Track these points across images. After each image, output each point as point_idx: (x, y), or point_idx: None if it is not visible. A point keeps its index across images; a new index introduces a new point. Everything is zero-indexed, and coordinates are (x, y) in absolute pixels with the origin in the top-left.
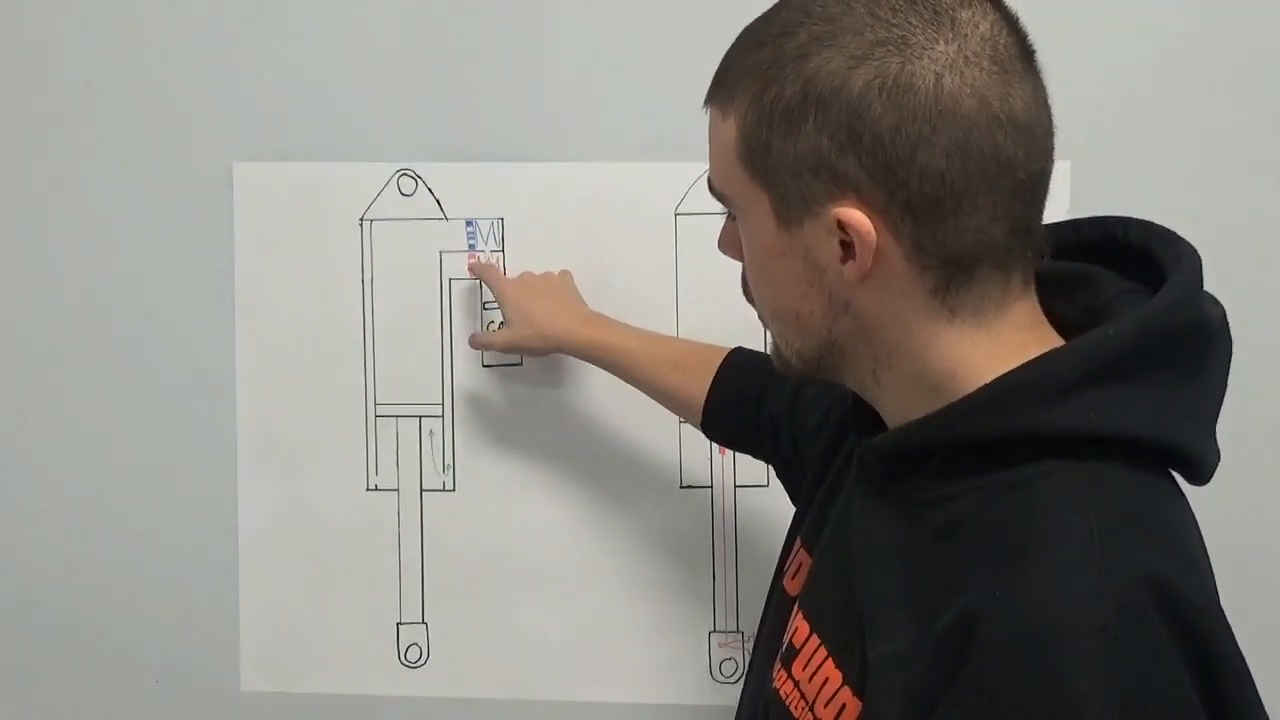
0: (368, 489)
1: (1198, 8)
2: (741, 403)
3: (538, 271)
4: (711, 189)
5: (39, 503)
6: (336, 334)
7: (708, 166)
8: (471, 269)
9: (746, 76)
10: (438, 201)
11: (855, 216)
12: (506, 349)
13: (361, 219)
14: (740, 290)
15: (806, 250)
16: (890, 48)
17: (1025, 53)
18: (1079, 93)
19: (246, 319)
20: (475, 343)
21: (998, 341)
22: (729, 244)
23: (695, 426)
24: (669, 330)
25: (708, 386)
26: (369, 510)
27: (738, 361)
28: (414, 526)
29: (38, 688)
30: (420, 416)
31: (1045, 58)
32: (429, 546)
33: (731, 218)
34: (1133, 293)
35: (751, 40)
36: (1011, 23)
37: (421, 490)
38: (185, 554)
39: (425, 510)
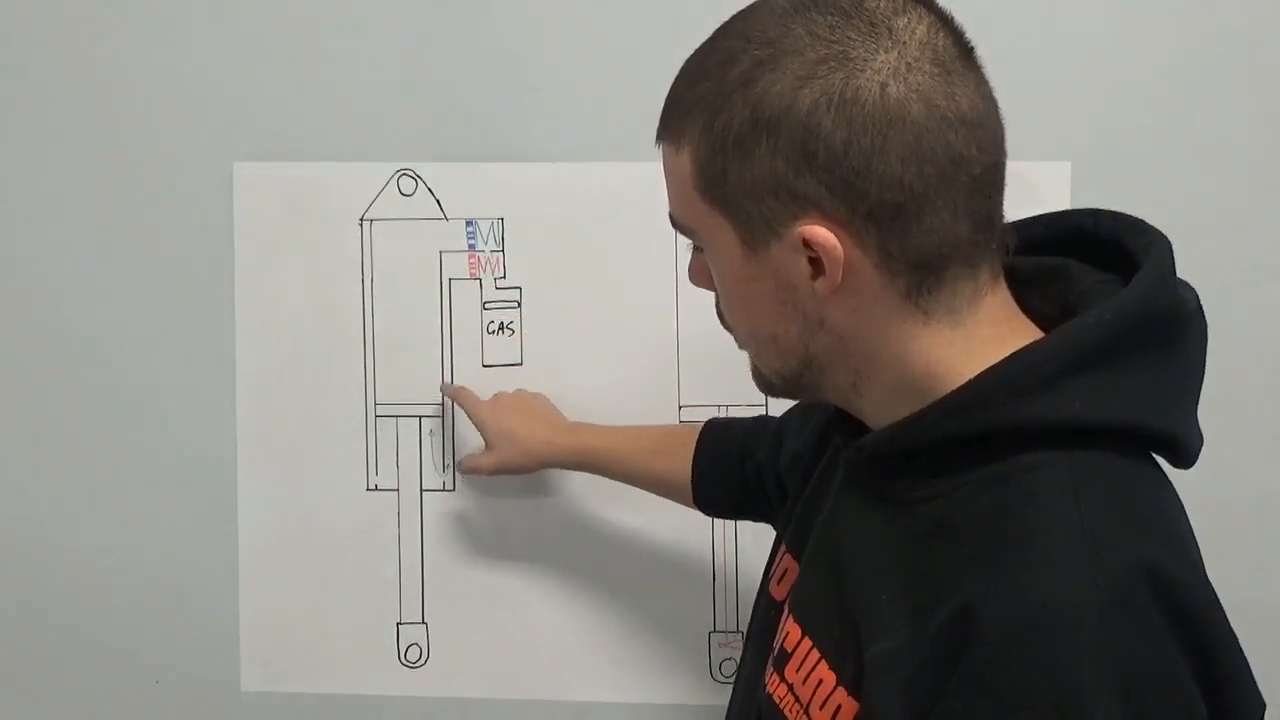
0: (368, 489)
1: (1198, 7)
2: (725, 466)
3: (510, 390)
4: (674, 223)
5: (39, 503)
6: (336, 334)
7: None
8: (444, 390)
9: (695, 108)
10: (438, 201)
11: (820, 233)
12: (494, 472)
13: (361, 219)
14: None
15: (775, 272)
16: (833, 64)
17: (964, 50)
18: (1079, 93)
19: (246, 319)
20: (464, 469)
21: (974, 338)
22: (698, 275)
23: (689, 506)
24: (670, 331)
25: (690, 463)
26: (369, 510)
27: (714, 430)
28: (414, 526)
29: (38, 688)
30: (420, 416)
31: (1045, 59)
32: (429, 546)
33: (698, 249)
34: (1106, 283)
35: (694, 73)
36: (947, 22)
37: (421, 490)
38: (185, 554)
39: (425, 510)
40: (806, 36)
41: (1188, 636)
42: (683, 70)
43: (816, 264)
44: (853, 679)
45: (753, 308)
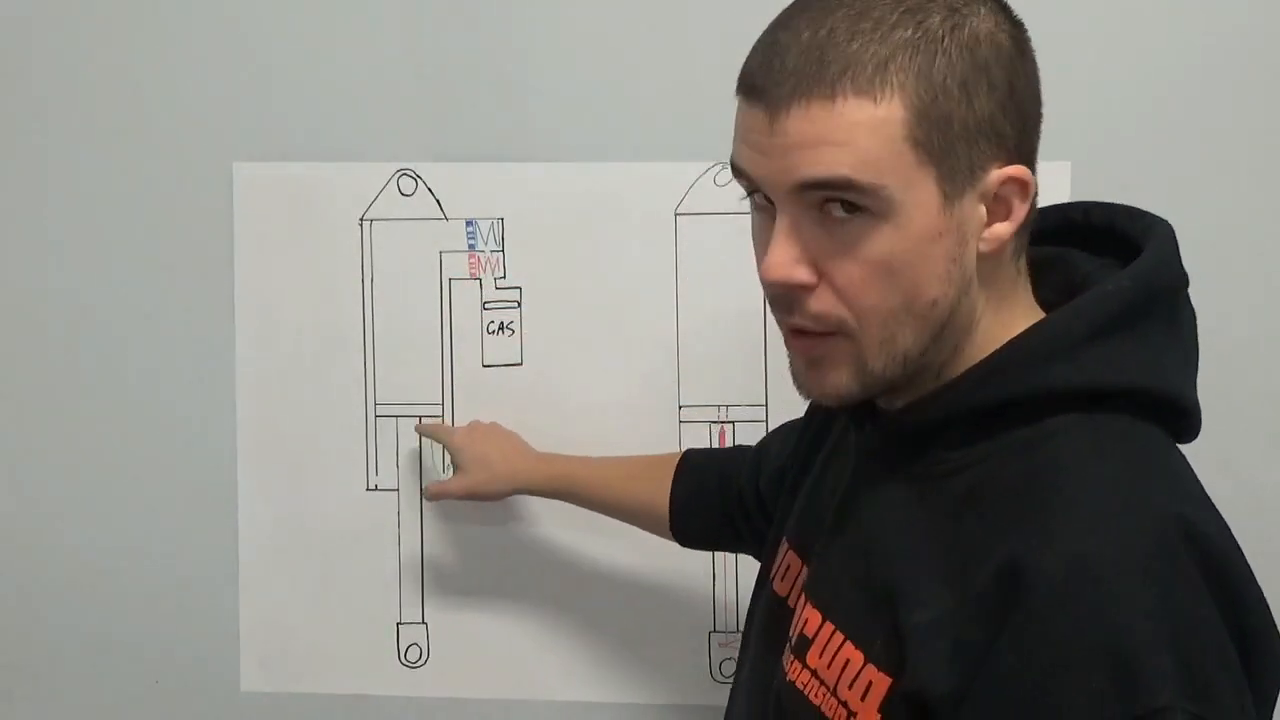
0: (368, 489)
1: (1197, 7)
2: (704, 494)
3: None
4: (849, 186)
5: (39, 503)
6: (336, 334)
7: (812, 170)
8: (418, 430)
9: (898, 56)
10: (438, 201)
11: (1024, 171)
12: (464, 496)
13: (361, 219)
14: (769, 300)
15: (960, 225)
16: (1006, 14)
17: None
18: (1079, 93)
19: (246, 319)
20: (431, 494)
21: (1015, 309)
22: (822, 250)
23: (664, 536)
24: (669, 331)
25: (668, 491)
26: (369, 510)
27: (693, 459)
28: (414, 526)
29: (38, 687)
30: (420, 416)
31: (1045, 58)
32: (429, 546)
33: (787, 231)
34: (1106, 267)
35: (869, 25)
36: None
37: (421, 490)
38: (185, 554)
39: (425, 510)
40: None
41: (1220, 586)
42: (833, 28)
43: (994, 212)
44: (882, 654)
45: (925, 271)
